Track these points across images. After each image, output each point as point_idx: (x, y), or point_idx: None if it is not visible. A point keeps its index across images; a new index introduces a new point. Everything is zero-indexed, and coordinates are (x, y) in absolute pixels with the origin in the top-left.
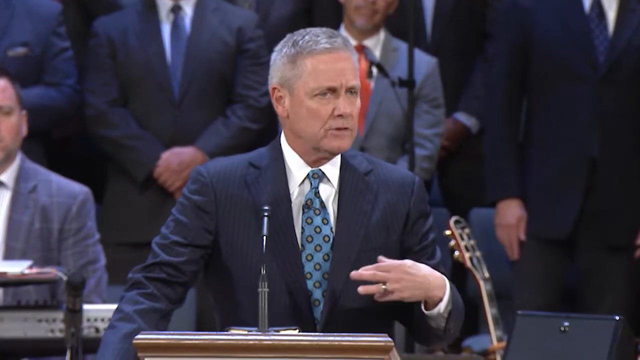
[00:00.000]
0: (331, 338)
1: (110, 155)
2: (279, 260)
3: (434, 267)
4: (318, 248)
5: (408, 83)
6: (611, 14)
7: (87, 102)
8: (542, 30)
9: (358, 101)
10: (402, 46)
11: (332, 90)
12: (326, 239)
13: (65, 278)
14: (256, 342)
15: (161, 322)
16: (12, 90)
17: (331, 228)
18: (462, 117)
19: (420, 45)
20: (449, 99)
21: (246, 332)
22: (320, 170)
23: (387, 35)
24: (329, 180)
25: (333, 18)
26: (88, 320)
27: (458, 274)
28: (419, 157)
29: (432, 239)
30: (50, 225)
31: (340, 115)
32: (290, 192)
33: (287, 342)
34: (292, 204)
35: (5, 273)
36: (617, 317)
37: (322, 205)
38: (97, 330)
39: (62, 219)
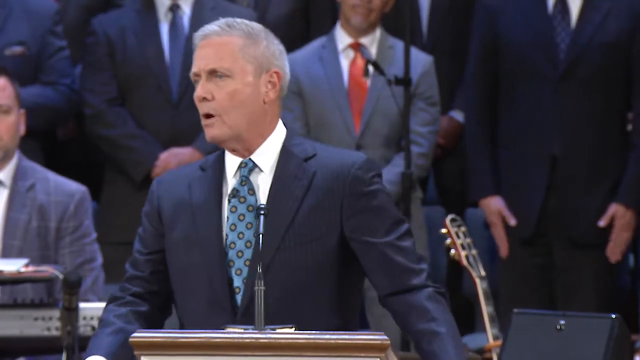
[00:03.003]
0: (327, 336)
1: (108, 155)
2: (202, 250)
3: (397, 246)
4: (241, 235)
5: (404, 81)
6: (575, 10)
7: (85, 101)
8: (506, 30)
9: (229, 84)
10: (398, 44)
11: (199, 76)
12: (249, 226)
13: (61, 276)
14: (252, 340)
15: (144, 323)
16: (11, 89)
17: (255, 215)
18: (458, 115)
19: (416, 44)
20: (445, 96)
21: (242, 330)
22: (250, 160)
23: (383, 33)
24: (261, 170)
25: (329, 16)
26: (84, 318)
27: (454, 272)
28: (414, 155)
29: (384, 214)
30: (48, 223)
31: (201, 101)
32: (226, 185)
33: (283, 341)
34: (224, 196)
35: (1, 271)
36: (614, 315)
37: (251, 193)
38: (93, 328)
39: (59, 217)
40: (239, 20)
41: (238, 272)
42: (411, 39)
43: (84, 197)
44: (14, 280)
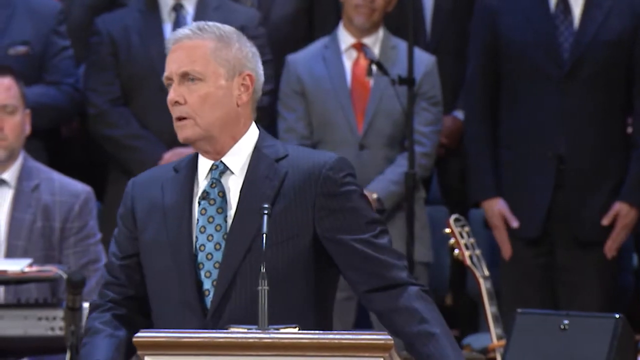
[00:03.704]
0: (331, 336)
1: (112, 155)
2: (173, 253)
3: (369, 243)
4: (210, 238)
5: (408, 81)
6: (577, 9)
7: (88, 101)
8: (508, 30)
9: (201, 87)
10: (401, 44)
11: (172, 80)
12: (218, 227)
13: (65, 276)
14: (256, 340)
15: (128, 327)
16: (17, 89)
17: (225, 217)
18: (461, 115)
19: (420, 43)
20: (448, 96)
21: (246, 330)
22: (221, 162)
23: (386, 33)
24: (232, 172)
25: (333, 17)
26: None
27: (458, 272)
28: (417, 155)
29: (358, 214)
30: (52, 223)
31: (174, 105)
32: (198, 187)
33: (287, 340)
34: (195, 198)
35: (5, 271)
36: (617, 315)
37: (221, 195)
38: None
39: (64, 217)
40: (210, 23)
41: (207, 274)
42: (414, 39)
43: (88, 198)
44: (18, 280)
